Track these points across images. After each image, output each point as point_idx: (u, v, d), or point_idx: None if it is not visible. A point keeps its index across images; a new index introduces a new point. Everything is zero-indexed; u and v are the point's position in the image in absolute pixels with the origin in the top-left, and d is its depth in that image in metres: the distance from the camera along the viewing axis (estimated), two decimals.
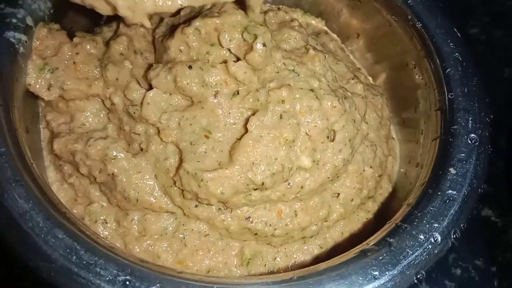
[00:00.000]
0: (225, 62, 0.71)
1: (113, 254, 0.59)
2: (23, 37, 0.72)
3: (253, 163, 0.69)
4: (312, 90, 0.74)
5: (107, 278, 0.57)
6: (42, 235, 0.58)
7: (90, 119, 0.78)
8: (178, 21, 0.78)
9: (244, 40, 0.70)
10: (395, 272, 0.62)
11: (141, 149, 0.74)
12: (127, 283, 0.57)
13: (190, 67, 0.70)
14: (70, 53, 0.76)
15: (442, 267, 0.93)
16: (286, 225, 0.74)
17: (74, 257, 0.58)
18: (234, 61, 0.71)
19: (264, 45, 0.69)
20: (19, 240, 0.58)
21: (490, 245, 0.96)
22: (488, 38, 1.33)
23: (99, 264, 0.58)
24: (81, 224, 0.62)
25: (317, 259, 0.77)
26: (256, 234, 0.74)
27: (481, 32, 1.33)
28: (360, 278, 0.60)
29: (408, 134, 0.92)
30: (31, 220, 0.59)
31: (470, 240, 0.92)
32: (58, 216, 0.60)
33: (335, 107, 0.73)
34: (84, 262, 0.57)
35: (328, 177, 0.73)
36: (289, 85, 0.73)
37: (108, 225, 0.76)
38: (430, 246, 0.64)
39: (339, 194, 0.77)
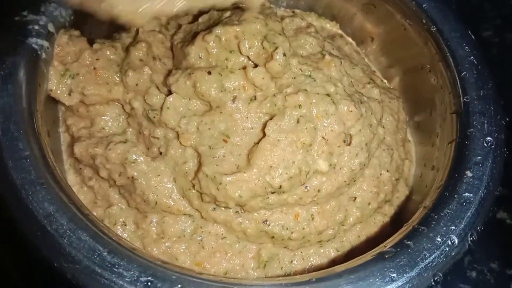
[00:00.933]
0: (244, 68, 0.73)
1: (135, 255, 0.61)
2: (45, 44, 0.73)
3: (270, 167, 0.70)
4: (328, 95, 0.75)
5: (130, 279, 0.58)
6: (66, 237, 0.60)
7: (110, 123, 0.80)
8: (197, 28, 0.80)
9: (263, 48, 0.72)
10: (413, 274, 0.62)
11: (160, 153, 0.75)
12: (149, 284, 0.58)
13: (209, 72, 0.71)
14: (90, 59, 0.77)
15: (457, 270, 0.93)
16: (303, 228, 0.75)
17: (98, 258, 0.59)
18: (253, 67, 0.72)
19: (284, 54, 0.71)
20: (44, 242, 0.60)
21: (505, 247, 0.97)
22: (501, 41, 1.33)
23: (122, 265, 0.59)
24: (103, 226, 0.63)
25: (334, 262, 0.78)
26: (273, 237, 0.75)
27: (494, 35, 1.34)
28: (378, 280, 0.61)
29: (423, 137, 0.93)
30: (55, 222, 0.61)
31: (485, 243, 0.92)
32: (81, 218, 0.62)
33: (351, 111, 0.75)
34: (107, 263, 0.59)
35: (345, 181, 0.74)
36: (305, 90, 0.74)
37: (127, 227, 0.78)
38: (447, 249, 0.65)
39: (356, 198, 0.78)
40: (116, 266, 0.59)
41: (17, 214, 0.61)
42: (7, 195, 0.62)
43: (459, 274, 0.93)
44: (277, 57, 0.71)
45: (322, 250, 0.78)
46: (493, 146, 0.73)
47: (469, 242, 0.67)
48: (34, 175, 0.63)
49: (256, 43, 0.73)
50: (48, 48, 0.74)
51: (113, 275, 0.58)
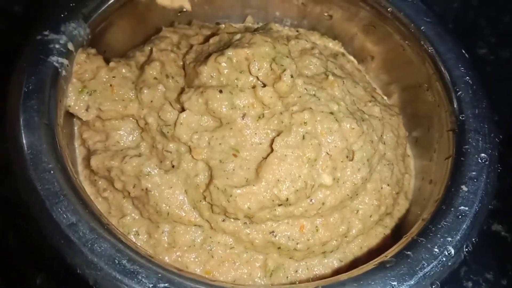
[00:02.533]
0: (253, 87, 0.78)
1: (152, 263, 0.65)
2: (65, 61, 0.79)
3: (278, 180, 0.75)
4: (332, 113, 0.81)
5: (149, 286, 0.63)
6: (89, 245, 0.65)
7: (125, 137, 0.85)
8: (208, 49, 0.86)
9: (272, 69, 0.77)
10: (412, 282, 0.67)
11: (173, 166, 0.80)
12: None
13: (220, 91, 0.77)
14: (107, 77, 0.83)
15: (454, 280, 0.98)
16: (308, 240, 0.80)
17: (118, 265, 0.64)
18: (262, 87, 0.78)
19: (291, 76, 0.77)
20: (68, 250, 0.64)
21: (500, 259, 1.02)
22: (496, 58, 1.39)
23: (141, 272, 0.64)
24: (122, 235, 0.68)
25: (337, 273, 0.83)
26: (279, 248, 0.80)
27: (489, 52, 1.40)
28: None
29: (421, 152, 0.98)
30: (78, 231, 0.65)
31: (481, 254, 0.97)
32: (102, 227, 0.67)
33: (353, 128, 0.80)
34: (127, 270, 0.64)
35: (348, 194, 0.80)
36: (310, 108, 0.80)
37: (140, 236, 0.83)
38: (444, 259, 0.70)
39: (358, 210, 0.84)
40: (135, 273, 0.64)
41: (42, 223, 0.66)
42: (33, 206, 0.67)
43: (456, 284, 0.98)
44: (285, 78, 0.77)
45: (326, 261, 0.83)
46: (487, 162, 0.79)
47: (465, 252, 0.72)
48: (57, 186, 0.68)
49: (265, 65, 0.78)
50: (67, 65, 0.79)
51: (133, 282, 0.63)
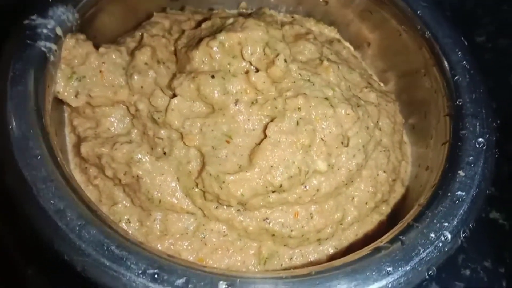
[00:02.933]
0: (246, 72, 0.77)
1: (142, 249, 0.64)
2: (54, 47, 0.77)
3: (271, 166, 0.74)
4: (326, 98, 0.79)
5: (138, 272, 0.62)
6: (76, 231, 0.63)
7: (115, 124, 0.84)
8: (200, 34, 0.84)
9: (265, 54, 0.76)
10: (408, 268, 0.66)
11: (164, 153, 0.79)
12: (156, 276, 0.62)
13: (212, 76, 0.76)
14: (96, 62, 0.81)
15: (452, 268, 0.97)
16: (302, 227, 0.79)
17: (106, 252, 0.63)
18: (255, 72, 0.76)
19: (285, 61, 0.76)
20: (55, 236, 0.63)
21: (498, 246, 1.01)
22: (494, 46, 1.38)
23: (130, 258, 0.63)
24: (111, 221, 0.67)
25: (332, 259, 0.80)
26: (273, 235, 0.79)
27: (488, 40, 1.39)
28: (375, 274, 0.65)
29: (417, 139, 0.97)
30: (65, 217, 0.64)
31: (479, 242, 0.97)
32: (90, 213, 0.65)
33: (348, 114, 0.79)
34: (116, 256, 0.62)
35: (343, 181, 0.78)
36: (305, 94, 0.79)
37: (131, 224, 0.81)
38: (440, 244, 0.69)
39: (353, 197, 0.83)
40: (124, 259, 0.62)
41: (29, 209, 0.64)
42: (19, 192, 0.65)
43: (453, 272, 0.97)
44: (278, 63, 0.76)
45: (320, 248, 0.82)
46: (484, 147, 0.78)
47: (462, 238, 0.71)
48: (45, 172, 0.66)
49: (258, 49, 0.77)
50: (56, 51, 0.78)
51: (122, 268, 0.62)
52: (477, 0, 1.44)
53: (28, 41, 0.75)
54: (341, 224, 0.81)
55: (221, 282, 0.62)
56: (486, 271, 0.98)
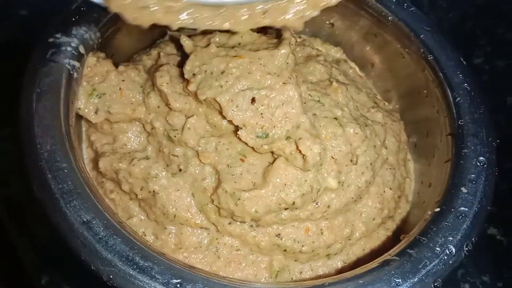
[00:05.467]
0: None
1: (165, 260, 0.69)
2: (77, 64, 0.83)
3: (285, 184, 0.80)
4: (336, 118, 0.86)
5: (162, 281, 0.67)
6: (103, 242, 0.68)
7: (132, 140, 0.90)
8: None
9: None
10: (415, 279, 0.72)
11: (180, 170, 0.85)
12: (179, 286, 0.67)
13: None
14: (116, 80, 0.87)
15: (452, 282, 1.03)
16: (313, 242, 0.85)
17: (132, 262, 0.67)
18: None
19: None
20: (82, 247, 0.68)
21: (496, 262, 1.07)
22: (491, 68, 1.45)
23: (154, 269, 0.68)
24: (135, 233, 0.72)
25: (340, 273, 0.86)
26: (285, 250, 0.85)
27: (485, 62, 1.46)
28: (385, 285, 0.71)
29: (419, 156, 1.04)
30: (92, 228, 0.69)
31: (477, 257, 1.02)
32: (115, 225, 0.70)
33: (357, 133, 0.85)
34: (141, 267, 0.67)
35: (352, 197, 0.85)
36: (315, 114, 0.84)
37: (147, 237, 0.86)
38: (445, 257, 0.75)
39: (361, 213, 0.89)
40: (149, 269, 0.67)
41: (57, 221, 0.69)
42: (48, 204, 0.70)
43: (453, 286, 1.03)
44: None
45: (329, 262, 0.88)
46: (485, 165, 0.84)
47: (465, 251, 0.77)
48: (71, 185, 0.71)
49: None
50: (79, 68, 0.83)
51: (146, 277, 0.67)
52: (476, 22, 1.52)
53: (53, 59, 0.81)
54: (349, 239, 0.87)
55: None
56: (485, 286, 1.04)
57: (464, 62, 0.98)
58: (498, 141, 0.89)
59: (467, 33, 1.51)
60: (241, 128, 0.80)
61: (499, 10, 1.56)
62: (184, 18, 0.78)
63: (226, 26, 0.80)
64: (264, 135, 0.80)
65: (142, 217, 0.88)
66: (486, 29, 1.52)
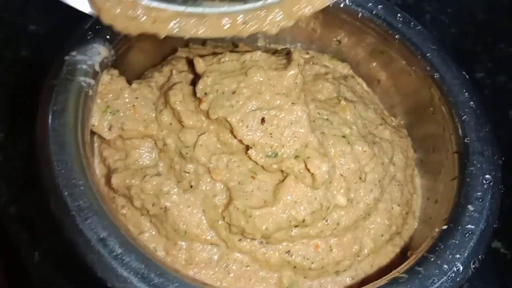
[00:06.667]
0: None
1: (180, 277, 0.70)
2: (92, 82, 0.84)
3: (295, 202, 0.81)
4: (344, 136, 0.87)
5: None
6: (118, 259, 0.69)
7: (144, 156, 0.91)
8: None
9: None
10: None
11: (191, 186, 0.86)
12: None
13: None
14: (130, 97, 0.88)
15: None
16: (322, 259, 0.86)
17: (147, 279, 0.69)
18: None
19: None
20: (98, 263, 0.69)
21: (500, 275, 1.09)
22: (492, 82, 1.47)
23: (169, 286, 0.69)
24: (150, 250, 0.73)
25: None
26: (294, 267, 0.86)
27: (486, 76, 1.48)
28: None
29: (425, 173, 1.06)
30: (108, 245, 0.70)
31: (482, 271, 1.03)
32: (131, 242, 0.71)
33: (365, 151, 0.87)
34: (156, 284, 0.68)
35: (361, 214, 0.86)
36: (323, 132, 0.86)
37: (158, 253, 0.87)
38: (453, 275, 0.76)
39: (370, 230, 0.90)
40: (164, 287, 0.68)
41: (74, 238, 0.70)
42: (65, 221, 0.71)
43: None
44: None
45: (338, 278, 0.89)
46: (491, 183, 0.86)
47: (472, 269, 0.78)
48: (88, 202, 0.72)
49: None
50: (93, 85, 0.84)
51: None
52: (476, 38, 1.55)
53: (69, 76, 0.82)
54: (358, 256, 0.89)
55: None
56: None
57: (470, 81, 0.99)
58: (503, 158, 0.91)
59: (468, 50, 1.54)
60: (251, 148, 0.81)
61: (500, 26, 1.60)
62: (170, 27, 0.81)
63: (210, 34, 0.83)
64: (273, 155, 0.81)
65: (153, 233, 0.89)
66: (487, 45, 1.55)
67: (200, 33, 0.83)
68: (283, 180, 0.83)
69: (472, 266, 0.78)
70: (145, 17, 0.79)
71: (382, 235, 0.90)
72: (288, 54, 0.91)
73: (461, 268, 0.77)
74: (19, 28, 1.12)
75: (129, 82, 0.91)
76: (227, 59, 0.88)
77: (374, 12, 1.04)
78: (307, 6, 0.83)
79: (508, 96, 1.45)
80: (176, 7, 0.81)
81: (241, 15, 0.83)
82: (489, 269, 1.09)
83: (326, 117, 0.89)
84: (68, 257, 0.71)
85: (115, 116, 0.87)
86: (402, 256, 0.93)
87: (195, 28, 0.82)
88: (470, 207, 0.83)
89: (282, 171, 0.84)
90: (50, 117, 0.78)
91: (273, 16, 0.83)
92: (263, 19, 0.83)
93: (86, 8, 0.78)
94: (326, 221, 0.84)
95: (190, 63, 0.95)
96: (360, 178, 0.86)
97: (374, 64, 1.13)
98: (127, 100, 0.88)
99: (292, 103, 0.82)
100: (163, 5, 0.80)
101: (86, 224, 0.71)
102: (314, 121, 0.88)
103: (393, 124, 1.08)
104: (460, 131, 0.93)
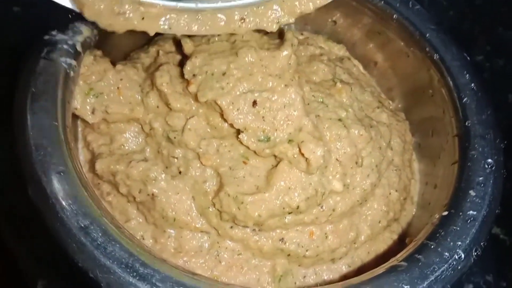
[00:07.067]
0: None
1: (166, 266, 0.66)
2: (73, 62, 0.79)
3: (289, 188, 0.78)
4: (340, 119, 0.83)
5: None
6: (101, 248, 0.65)
7: (129, 141, 0.87)
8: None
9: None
10: (424, 286, 0.70)
11: (180, 172, 0.82)
12: None
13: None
14: (114, 79, 0.84)
15: (455, 282, 1.01)
16: (317, 246, 0.83)
17: (131, 269, 0.65)
18: None
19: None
20: (79, 253, 0.65)
21: (499, 261, 1.05)
22: (492, 66, 1.44)
23: (155, 276, 0.65)
24: (135, 239, 0.69)
25: (345, 278, 0.85)
26: (288, 255, 0.83)
27: (485, 60, 1.44)
28: None
29: (423, 157, 1.02)
30: (90, 234, 0.66)
31: (481, 257, 1.00)
32: (115, 230, 0.67)
33: (362, 135, 0.83)
34: (141, 274, 0.64)
35: (358, 200, 0.83)
36: (318, 115, 0.82)
37: (145, 241, 0.84)
38: (454, 263, 0.73)
39: (367, 216, 0.87)
40: (149, 276, 0.65)
41: (53, 226, 0.66)
42: (43, 208, 0.67)
43: (457, 286, 1.00)
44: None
45: (334, 266, 0.86)
46: (493, 168, 0.82)
47: (474, 256, 0.74)
48: (68, 189, 0.68)
49: None
50: (75, 67, 0.80)
51: (146, 285, 0.64)
52: (474, 21, 1.51)
53: (49, 57, 0.77)
54: (354, 243, 0.85)
55: None
56: (489, 285, 1.02)
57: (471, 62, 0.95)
58: (505, 142, 0.87)
59: (466, 33, 1.50)
60: (242, 132, 0.77)
61: (499, 9, 1.56)
62: (160, 24, 0.77)
63: (203, 32, 0.80)
64: (265, 139, 0.77)
65: (140, 220, 0.85)
66: (485, 28, 1.51)
67: (193, 31, 0.79)
68: (276, 165, 0.79)
69: (474, 254, 0.75)
70: (132, 14, 0.74)
71: (379, 222, 0.87)
72: (281, 34, 0.86)
73: (463, 255, 0.73)
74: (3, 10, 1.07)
75: (114, 64, 0.86)
76: (216, 39, 0.84)
77: None
78: (308, 2, 0.80)
79: (507, 80, 1.41)
80: (167, 2, 0.76)
81: (238, 12, 0.78)
82: (489, 255, 1.05)
83: (321, 99, 0.85)
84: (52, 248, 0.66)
85: (99, 98, 0.82)
86: (400, 243, 0.90)
87: (187, 26, 0.78)
88: (472, 192, 0.79)
89: (275, 156, 0.80)
90: (28, 100, 0.73)
91: (272, 12, 0.79)
92: (261, 15, 0.79)
93: (67, 2, 0.74)
94: (321, 207, 0.80)
95: (178, 44, 0.90)
96: (356, 162, 0.82)
97: (371, 45, 1.09)
98: (111, 82, 0.83)
99: (285, 85, 0.78)
100: (153, 0, 0.75)
101: (66, 212, 0.66)
102: (308, 104, 0.83)
103: (390, 107, 1.04)
104: (460, 113, 0.89)
